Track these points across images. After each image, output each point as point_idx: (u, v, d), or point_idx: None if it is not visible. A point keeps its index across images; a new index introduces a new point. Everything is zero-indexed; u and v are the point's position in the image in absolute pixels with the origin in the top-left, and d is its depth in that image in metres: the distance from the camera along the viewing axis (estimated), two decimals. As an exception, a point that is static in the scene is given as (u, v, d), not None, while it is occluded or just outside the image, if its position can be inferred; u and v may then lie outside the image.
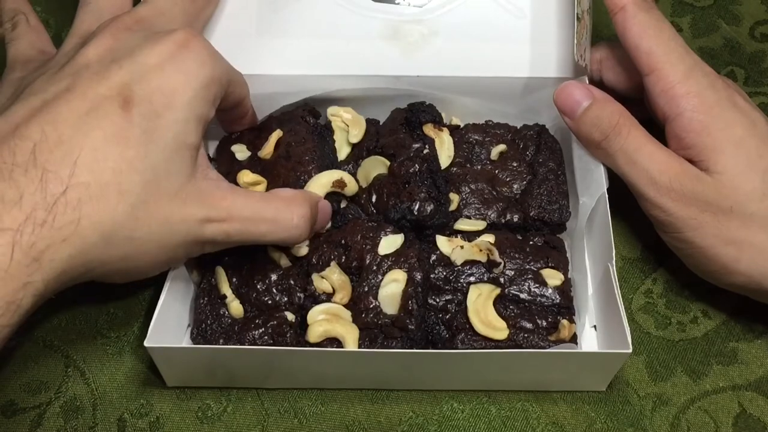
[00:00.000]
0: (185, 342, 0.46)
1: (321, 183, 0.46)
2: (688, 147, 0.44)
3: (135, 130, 0.37)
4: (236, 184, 0.47)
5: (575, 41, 0.47)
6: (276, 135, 0.49)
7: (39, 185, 0.34)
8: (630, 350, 0.40)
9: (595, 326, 0.46)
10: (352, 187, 0.48)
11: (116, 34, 0.41)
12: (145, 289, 0.49)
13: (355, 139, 0.50)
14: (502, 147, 0.51)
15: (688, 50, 0.46)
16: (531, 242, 0.47)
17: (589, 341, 0.46)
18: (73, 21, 0.46)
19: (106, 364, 0.46)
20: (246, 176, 0.47)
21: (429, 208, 0.46)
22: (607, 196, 0.46)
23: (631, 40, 0.46)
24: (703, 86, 0.45)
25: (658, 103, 0.45)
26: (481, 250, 0.45)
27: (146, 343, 0.40)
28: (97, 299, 0.49)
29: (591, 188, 0.47)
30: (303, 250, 0.46)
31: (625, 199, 0.47)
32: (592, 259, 0.47)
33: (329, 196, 0.47)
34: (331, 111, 0.51)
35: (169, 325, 0.44)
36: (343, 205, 0.48)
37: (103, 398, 0.45)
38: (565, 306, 0.45)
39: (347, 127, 0.51)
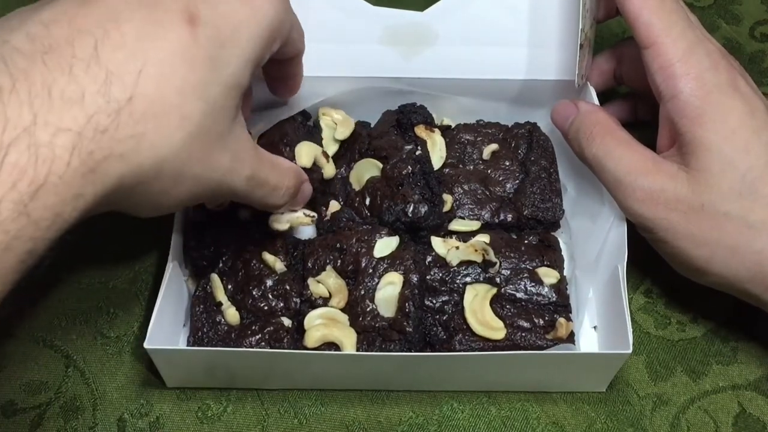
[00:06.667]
0: (183, 339, 0.46)
1: (306, 152, 0.46)
2: (679, 133, 0.42)
3: (201, 52, 0.33)
4: None
5: (576, 68, 0.47)
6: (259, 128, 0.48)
7: (102, 87, 0.29)
8: (630, 351, 0.40)
9: (595, 327, 0.46)
10: (329, 171, 0.48)
11: None
12: (145, 289, 0.49)
13: (341, 136, 0.50)
14: (494, 146, 0.51)
15: (692, 25, 0.43)
16: (526, 241, 0.47)
17: (590, 341, 0.46)
18: None
19: (106, 364, 0.46)
20: None
21: (423, 209, 0.46)
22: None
23: (631, 11, 0.43)
24: (704, 67, 0.42)
25: (655, 79, 0.43)
26: (476, 251, 0.45)
27: (146, 345, 0.40)
28: (97, 299, 0.49)
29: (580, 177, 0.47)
30: (283, 225, 0.45)
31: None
32: (600, 258, 0.47)
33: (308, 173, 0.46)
34: (323, 110, 0.50)
35: (168, 325, 0.44)
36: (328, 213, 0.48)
37: (103, 398, 0.45)
38: (562, 304, 0.45)
39: (335, 125, 0.50)
